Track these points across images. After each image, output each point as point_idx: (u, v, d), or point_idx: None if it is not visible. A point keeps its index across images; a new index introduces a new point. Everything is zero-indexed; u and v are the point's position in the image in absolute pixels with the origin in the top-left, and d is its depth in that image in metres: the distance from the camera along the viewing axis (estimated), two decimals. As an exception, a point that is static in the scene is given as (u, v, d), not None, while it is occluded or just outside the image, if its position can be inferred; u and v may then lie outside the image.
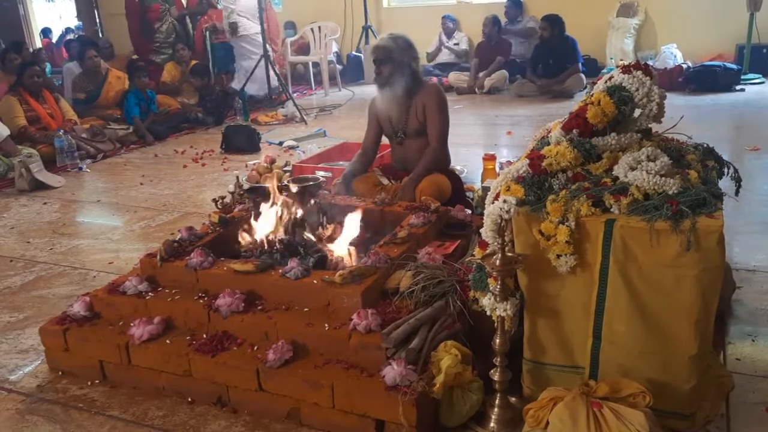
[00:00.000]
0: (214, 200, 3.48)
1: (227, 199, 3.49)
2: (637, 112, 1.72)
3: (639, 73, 1.72)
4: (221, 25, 7.60)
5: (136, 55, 6.85)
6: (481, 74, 7.33)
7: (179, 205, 3.88)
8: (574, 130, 1.68)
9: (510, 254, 1.61)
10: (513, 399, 1.79)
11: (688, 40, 7.34)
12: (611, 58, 7.51)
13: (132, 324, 2.01)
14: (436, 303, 1.95)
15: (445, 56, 8.44)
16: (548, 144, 1.72)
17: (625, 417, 1.48)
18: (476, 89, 7.31)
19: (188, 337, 1.98)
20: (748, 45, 6.81)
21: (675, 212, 1.49)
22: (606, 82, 1.75)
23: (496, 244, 1.70)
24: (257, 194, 2.89)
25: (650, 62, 7.05)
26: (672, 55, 6.92)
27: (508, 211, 1.55)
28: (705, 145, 1.95)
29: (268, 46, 6.79)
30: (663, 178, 1.56)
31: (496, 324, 1.70)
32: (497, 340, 1.69)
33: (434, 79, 6.98)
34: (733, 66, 6.48)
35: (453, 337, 1.90)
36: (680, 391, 1.63)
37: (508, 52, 7.45)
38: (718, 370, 1.86)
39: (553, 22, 6.61)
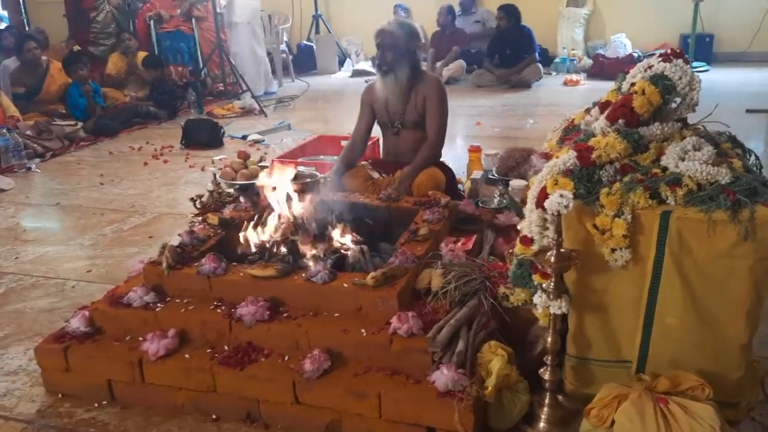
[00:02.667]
0: (192, 200, 3.32)
1: (206, 198, 3.34)
2: (676, 101, 1.70)
3: (680, 61, 1.69)
4: (166, 13, 7.28)
5: (78, 46, 6.44)
6: (438, 64, 7.30)
7: (149, 206, 3.66)
8: (620, 120, 1.64)
9: (564, 250, 1.56)
10: (560, 397, 1.75)
11: (635, 30, 7.55)
12: (564, 48, 7.63)
13: (144, 339, 1.86)
14: (470, 302, 1.89)
15: (398, 46, 8.36)
16: (591, 135, 1.67)
17: (693, 412, 1.46)
18: (433, 79, 7.26)
19: (209, 350, 1.85)
20: (693, 34, 7.04)
21: (734, 202, 1.48)
22: (645, 70, 1.72)
23: (544, 240, 1.65)
24: (250, 193, 2.75)
25: (601, 51, 7.23)
26: (622, 44, 7.10)
27: (567, 206, 1.49)
28: (727, 133, 1.95)
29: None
30: (715, 168, 1.55)
31: (547, 322, 1.65)
32: (549, 339, 1.65)
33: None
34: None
35: (490, 335, 1.85)
36: (730, 381, 1.63)
37: (464, 41, 7.45)
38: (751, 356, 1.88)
39: (510, 12, 6.64)
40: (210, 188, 3.32)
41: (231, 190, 3.37)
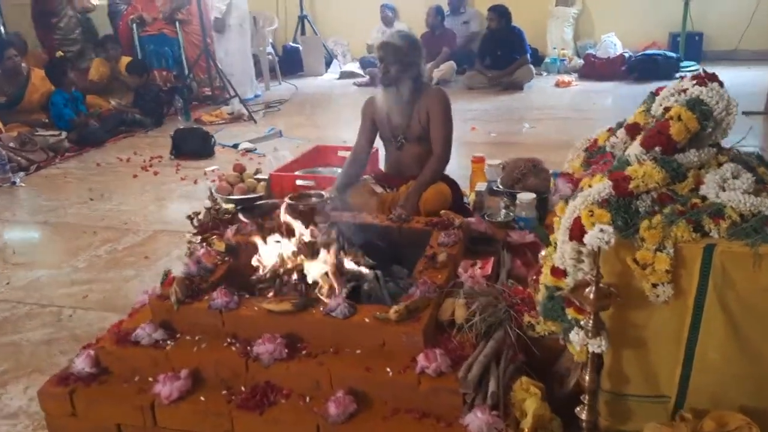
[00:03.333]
0: (189, 218, 3.21)
1: (203, 216, 3.23)
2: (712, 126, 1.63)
3: (715, 84, 1.63)
4: (149, 16, 7.10)
5: (61, 52, 6.26)
6: (428, 66, 7.20)
7: (143, 223, 3.54)
8: (657, 148, 1.58)
9: (603, 286, 1.49)
10: (595, 435, 1.68)
11: (624, 29, 7.53)
12: (554, 48, 7.59)
13: (155, 380, 1.76)
14: (496, 334, 1.82)
15: (385, 47, 8.26)
16: (626, 163, 1.60)
17: (743, 455, 1.40)
18: (424, 81, 7.18)
19: (224, 392, 1.75)
20: (683, 33, 7.05)
21: (780, 235, 1.42)
22: (679, 93, 1.66)
23: (578, 273, 1.58)
24: (253, 213, 2.65)
25: (591, 51, 7.20)
26: (612, 44, 7.07)
27: (608, 242, 1.42)
28: (757, 153, 1.90)
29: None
30: (758, 199, 1.49)
31: (585, 359, 1.58)
32: (587, 377, 1.58)
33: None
34: (673, 54, 6.69)
35: (519, 369, 1.78)
36: (772, 416, 1.57)
37: (454, 42, 7.38)
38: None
39: (501, 12, 6.58)
40: (207, 205, 3.22)
41: (229, 206, 3.27)
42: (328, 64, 8.60)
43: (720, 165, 1.62)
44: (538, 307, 1.83)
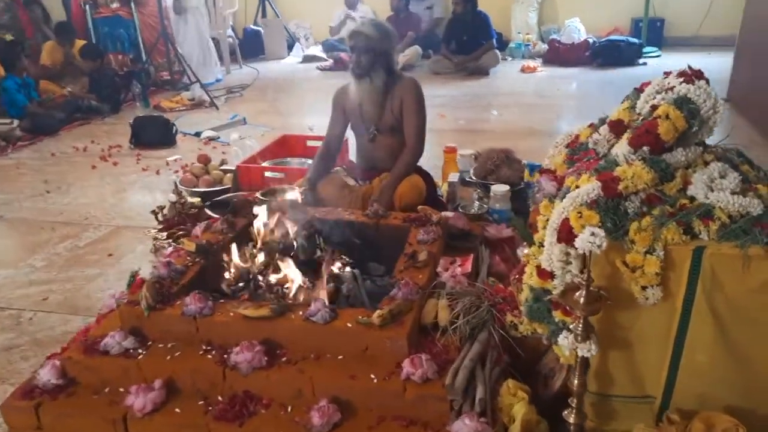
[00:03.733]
0: (154, 212, 3.11)
1: (167, 211, 3.12)
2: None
3: (702, 83, 1.61)
4: (103, -3, 6.83)
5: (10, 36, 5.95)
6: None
7: (104, 217, 3.39)
8: (645, 147, 1.55)
9: (594, 290, 1.46)
10: (582, 437, 1.67)
11: (588, 14, 7.56)
12: (519, 33, 7.58)
13: (128, 391, 1.67)
14: (480, 335, 1.79)
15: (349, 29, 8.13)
16: (614, 163, 1.57)
17: (733, 458, 1.40)
18: (389, 66, 7.09)
19: (201, 402, 1.68)
20: (645, 19, 7.11)
21: (770, 237, 1.41)
22: (666, 91, 1.63)
23: (567, 276, 1.55)
24: (221, 209, 2.56)
25: (555, 36, 7.21)
26: (576, 29, 7.09)
27: (600, 246, 1.39)
28: (737, 149, 1.89)
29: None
30: (747, 199, 1.47)
31: (573, 362, 1.56)
32: (576, 382, 1.55)
33: (344, 56, 6.70)
34: (636, 41, 6.75)
35: (504, 372, 1.75)
36: (759, 416, 1.58)
37: (419, 26, 7.30)
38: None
39: (467, -3, 6.53)
40: (173, 199, 3.11)
41: (195, 200, 3.16)
42: (290, 47, 8.44)
43: (706, 164, 1.61)
44: (522, 307, 1.79)
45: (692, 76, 1.63)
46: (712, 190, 1.51)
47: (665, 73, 1.76)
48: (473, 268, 2.18)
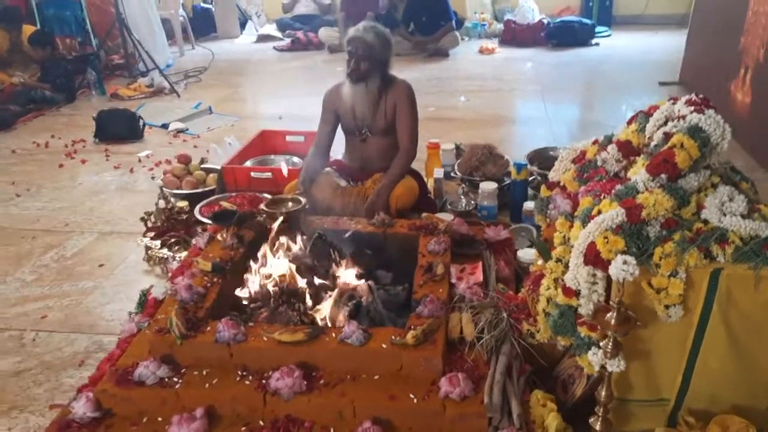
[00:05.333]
0: (143, 220, 3.07)
1: (155, 216, 3.09)
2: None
3: (712, 111, 1.72)
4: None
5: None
6: (351, 30, 7.05)
7: (85, 223, 3.31)
8: (663, 175, 1.66)
9: (625, 312, 1.58)
10: (604, 439, 1.80)
11: (540, -7, 7.68)
12: (475, 12, 7.64)
13: (169, 421, 1.70)
14: (503, 347, 1.89)
15: (303, 7, 8.02)
16: (634, 189, 1.68)
17: (748, 458, 1.56)
18: (348, 47, 7.05)
19: (243, 428, 1.72)
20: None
21: (778, 258, 1.55)
22: (677, 120, 1.74)
23: (594, 296, 1.66)
24: (225, 220, 2.56)
25: (510, 17, 7.31)
26: (530, 9, 7.20)
27: (632, 273, 1.51)
28: (731, 166, 2.04)
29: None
30: (756, 223, 1.61)
31: (597, 373, 1.68)
32: (603, 393, 1.68)
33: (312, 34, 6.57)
34: (588, 21, 6.92)
35: (528, 381, 1.86)
36: (758, 411, 1.75)
37: (377, 5, 7.25)
38: None
39: (425, -22, 6.52)
40: (161, 205, 3.07)
41: (183, 204, 3.13)
42: (242, 26, 8.24)
43: (713, 186, 1.74)
44: (539, 317, 1.91)
45: (702, 105, 1.74)
46: (725, 214, 1.64)
47: (672, 99, 1.87)
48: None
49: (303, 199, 2.54)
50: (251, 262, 2.22)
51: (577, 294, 1.71)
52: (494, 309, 1.99)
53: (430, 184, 3.36)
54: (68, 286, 2.73)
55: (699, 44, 4.88)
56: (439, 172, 3.38)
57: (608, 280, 1.65)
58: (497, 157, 3.38)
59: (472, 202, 3.19)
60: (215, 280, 2.14)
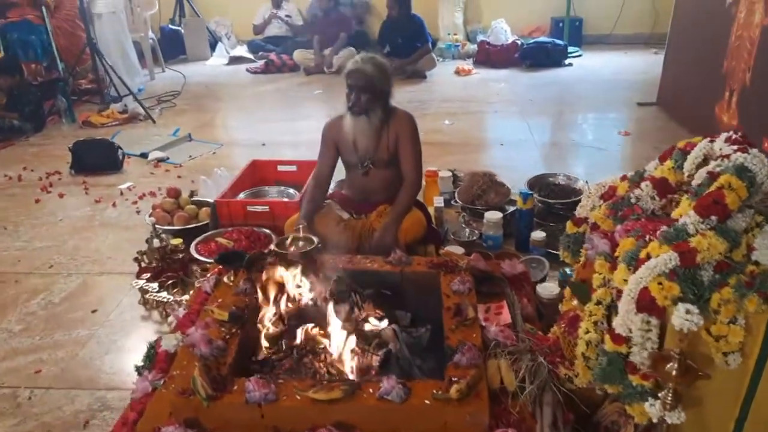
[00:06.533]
0: (137, 260, 2.93)
1: (147, 256, 2.95)
2: (753, 190, 1.71)
3: (755, 150, 1.70)
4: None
5: None
6: (326, 52, 7.00)
7: (71, 264, 3.13)
8: (713, 217, 1.62)
9: (687, 362, 1.53)
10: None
11: (511, 14, 7.73)
12: (449, 34, 7.66)
13: (203, 496, 1.57)
14: (546, 397, 1.82)
15: (275, 29, 7.91)
16: (684, 232, 1.64)
17: None
18: (324, 68, 6.98)
19: (282, 497, 1.61)
20: (567, 19, 7.39)
21: (836, 301, 1.52)
22: (721, 159, 1.71)
23: (648, 344, 1.61)
24: (231, 263, 2.43)
25: (483, 37, 7.35)
26: (503, 30, 7.25)
27: (697, 323, 1.46)
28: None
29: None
30: (806, 263, 1.59)
31: (652, 425, 1.62)
32: (660, 445, 1.62)
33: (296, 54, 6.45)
34: (561, 42, 7.00)
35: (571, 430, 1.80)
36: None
37: (351, 26, 7.20)
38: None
39: (401, 0, 6.50)
40: (156, 244, 2.93)
41: (177, 242, 2.99)
42: (212, 47, 8.08)
43: (758, 225, 1.71)
44: (578, 362, 1.85)
45: (745, 144, 1.72)
46: (775, 256, 1.61)
47: (710, 138, 1.84)
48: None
49: (315, 238, 2.44)
50: (267, 309, 2.11)
51: (626, 341, 1.66)
52: (530, 353, 1.92)
53: (432, 213, 3.29)
54: (60, 336, 2.56)
55: (677, 66, 4.96)
56: (439, 201, 3.32)
57: (662, 326, 1.60)
58: (498, 184, 3.34)
59: (476, 231, 3.14)
60: (233, 330, 2.01)
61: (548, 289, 2.47)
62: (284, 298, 2.16)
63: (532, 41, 7.05)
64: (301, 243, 2.45)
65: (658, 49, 7.22)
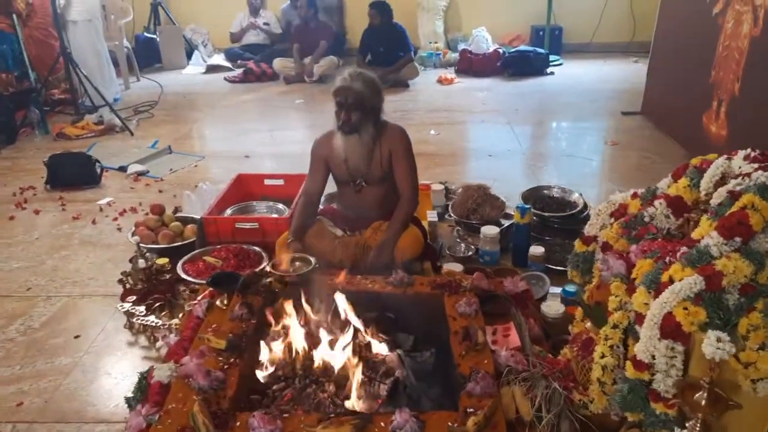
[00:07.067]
0: (122, 282, 2.81)
1: (132, 277, 2.83)
2: None
3: (775, 168, 1.66)
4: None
5: None
6: (306, 60, 6.89)
7: (50, 286, 2.98)
8: (737, 238, 1.57)
9: (718, 392, 1.47)
10: None
11: (491, 22, 7.71)
12: (430, 42, 7.61)
13: None
14: (563, 426, 1.75)
15: (253, 37, 7.79)
16: (707, 254, 1.58)
17: None
18: (305, 77, 6.87)
19: None
20: (547, 27, 7.41)
21: None
22: (742, 178, 1.66)
23: (672, 371, 1.55)
24: (224, 285, 2.32)
25: (464, 46, 7.32)
26: (484, 38, 7.22)
27: (729, 351, 1.40)
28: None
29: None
30: (831, 285, 1.54)
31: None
32: (688, 475, 1.56)
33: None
34: (542, 51, 7.00)
35: (591, 459, 1.73)
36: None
37: (331, 35, 7.11)
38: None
39: (382, 9, 6.44)
40: (141, 264, 2.80)
41: (163, 261, 2.86)
42: (188, 56, 7.92)
43: (779, 245, 1.66)
44: (593, 388, 1.79)
45: (764, 161, 1.68)
46: (801, 278, 1.56)
47: (727, 156, 1.80)
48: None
49: (312, 259, 2.35)
50: (267, 336, 2.01)
51: (648, 367, 1.60)
52: (543, 378, 1.85)
53: (428, 230, 3.22)
54: (42, 364, 2.42)
55: (663, 75, 4.97)
56: (433, 215, 3.25)
57: (685, 352, 1.54)
58: (493, 198, 3.28)
59: (472, 246, 3.07)
60: (231, 360, 1.91)
61: (554, 308, 2.41)
62: (286, 324, 2.06)
63: (513, 50, 7.04)
64: (297, 263, 2.37)
65: (637, 57, 7.31)
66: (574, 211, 3.18)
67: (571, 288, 2.51)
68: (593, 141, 4.86)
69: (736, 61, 3.76)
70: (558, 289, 2.65)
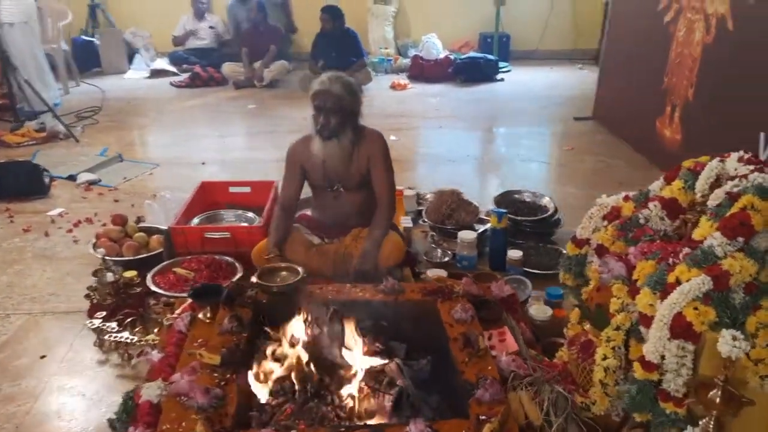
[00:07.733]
0: (89, 297, 2.66)
1: (98, 292, 2.69)
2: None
3: (770, 170, 1.71)
4: None
5: None
6: (256, 65, 6.76)
7: (7, 302, 2.78)
8: (739, 238, 1.61)
9: (731, 390, 1.50)
10: None
11: (439, 29, 7.80)
12: (381, 48, 7.62)
13: None
14: (571, 428, 1.75)
15: (198, 41, 7.59)
16: (712, 255, 1.61)
17: None
18: (255, 81, 6.74)
19: None
20: (496, 35, 7.54)
21: None
22: (739, 179, 1.71)
23: (683, 371, 1.57)
24: (207, 298, 2.22)
25: (415, 52, 7.36)
26: (435, 45, 7.29)
27: (744, 349, 1.43)
28: None
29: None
30: (830, 282, 1.60)
31: (696, 455, 1.58)
32: (700, 474, 1.58)
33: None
34: (492, 58, 7.11)
35: (599, 461, 1.74)
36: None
37: (278, 39, 7.00)
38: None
39: (335, 13, 6.40)
40: (109, 278, 2.66)
41: (130, 274, 2.73)
42: (129, 59, 7.64)
43: (776, 243, 1.72)
44: (596, 389, 1.80)
45: (759, 162, 1.73)
46: (801, 275, 1.62)
47: (720, 158, 1.85)
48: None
49: (300, 269, 2.28)
50: (260, 349, 1.93)
51: (657, 367, 1.62)
52: (546, 382, 1.85)
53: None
54: (9, 388, 2.25)
55: (614, 81, 5.13)
56: (407, 221, 3.23)
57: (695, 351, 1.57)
58: (466, 203, 3.28)
59: (449, 252, 3.07)
60: (227, 375, 1.82)
61: (542, 310, 2.42)
62: (281, 337, 1.99)
63: (465, 56, 7.13)
64: (283, 273, 2.30)
65: (582, 64, 7.54)
66: (545, 215, 3.22)
67: (555, 290, 2.54)
68: (550, 145, 4.97)
69: (689, 68, 3.91)
70: (537, 293, 2.68)
